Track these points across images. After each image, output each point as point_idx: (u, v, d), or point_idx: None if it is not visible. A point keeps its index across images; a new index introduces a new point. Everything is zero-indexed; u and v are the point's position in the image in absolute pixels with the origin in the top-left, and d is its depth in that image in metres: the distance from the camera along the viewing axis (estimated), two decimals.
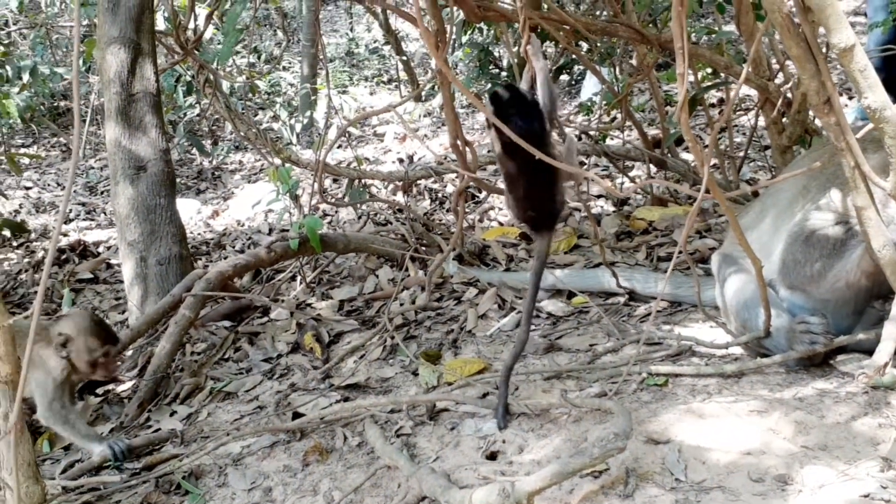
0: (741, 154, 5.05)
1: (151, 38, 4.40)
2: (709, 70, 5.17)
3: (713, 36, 4.89)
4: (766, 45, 4.86)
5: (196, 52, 5.24)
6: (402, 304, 4.11)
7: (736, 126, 6.43)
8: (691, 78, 4.89)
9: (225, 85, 7.55)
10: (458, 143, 3.52)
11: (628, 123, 5.28)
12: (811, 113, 3.76)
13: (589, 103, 6.62)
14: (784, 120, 4.03)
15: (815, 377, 2.68)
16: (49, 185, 9.09)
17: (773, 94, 3.94)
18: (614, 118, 6.74)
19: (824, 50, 2.40)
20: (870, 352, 2.58)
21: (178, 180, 6.24)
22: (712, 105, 6.85)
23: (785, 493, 2.06)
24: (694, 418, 2.46)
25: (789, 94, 3.98)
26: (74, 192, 8.47)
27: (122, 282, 4.76)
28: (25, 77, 8.13)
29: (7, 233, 6.80)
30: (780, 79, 4.30)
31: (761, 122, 4.74)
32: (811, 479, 2.08)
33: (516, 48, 8.04)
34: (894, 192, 2.30)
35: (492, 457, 2.57)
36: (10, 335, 2.28)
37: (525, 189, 2.68)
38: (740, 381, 2.70)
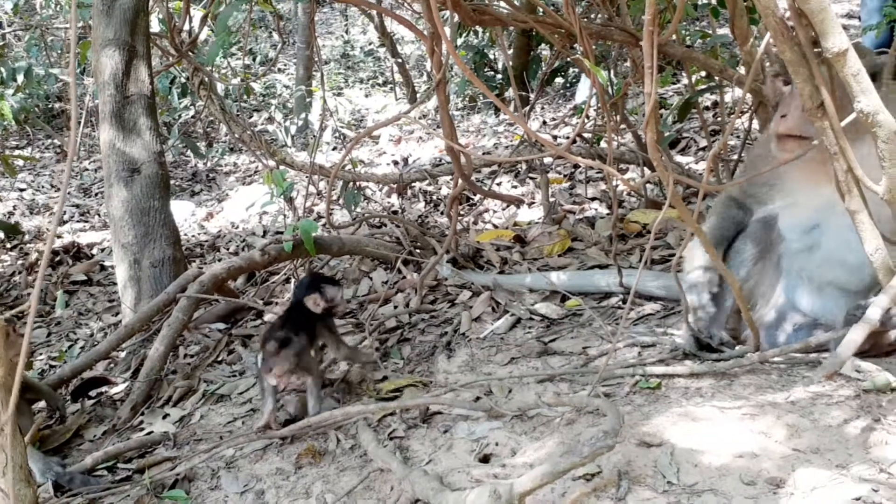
0: (735, 157, 5.06)
1: (146, 40, 4.40)
2: (703, 73, 5.18)
3: (707, 40, 4.89)
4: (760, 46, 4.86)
5: (191, 54, 5.24)
6: (395, 307, 4.11)
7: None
8: (686, 81, 4.88)
9: (220, 87, 7.55)
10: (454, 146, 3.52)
11: (622, 126, 5.29)
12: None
13: (584, 106, 6.62)
14: None
15: (807, 380, 2.69)
16: (43, 186, 9.07)
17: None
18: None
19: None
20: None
21: (172, 182, 6.25)
22: (707, 108, 6.85)
23: (777, 496, 2.06)
24: (687, 421, 2.46)
25: None
26: (68, 193, 8.46)
27: (115, 284, 4.75)
28: (20, 79, 8.11)
29: (1, 234, 6.78)
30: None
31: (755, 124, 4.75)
32: (803, 482, 2.08)
33: (510, 51, 8.05)
34: (888, 197, 2.30)
35: (485, 459, 2.57)
36: (3, 337, 2.27)
37: None
38: (733, 384, 2.70)
